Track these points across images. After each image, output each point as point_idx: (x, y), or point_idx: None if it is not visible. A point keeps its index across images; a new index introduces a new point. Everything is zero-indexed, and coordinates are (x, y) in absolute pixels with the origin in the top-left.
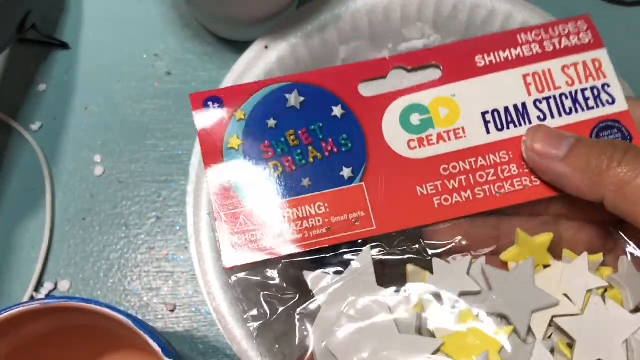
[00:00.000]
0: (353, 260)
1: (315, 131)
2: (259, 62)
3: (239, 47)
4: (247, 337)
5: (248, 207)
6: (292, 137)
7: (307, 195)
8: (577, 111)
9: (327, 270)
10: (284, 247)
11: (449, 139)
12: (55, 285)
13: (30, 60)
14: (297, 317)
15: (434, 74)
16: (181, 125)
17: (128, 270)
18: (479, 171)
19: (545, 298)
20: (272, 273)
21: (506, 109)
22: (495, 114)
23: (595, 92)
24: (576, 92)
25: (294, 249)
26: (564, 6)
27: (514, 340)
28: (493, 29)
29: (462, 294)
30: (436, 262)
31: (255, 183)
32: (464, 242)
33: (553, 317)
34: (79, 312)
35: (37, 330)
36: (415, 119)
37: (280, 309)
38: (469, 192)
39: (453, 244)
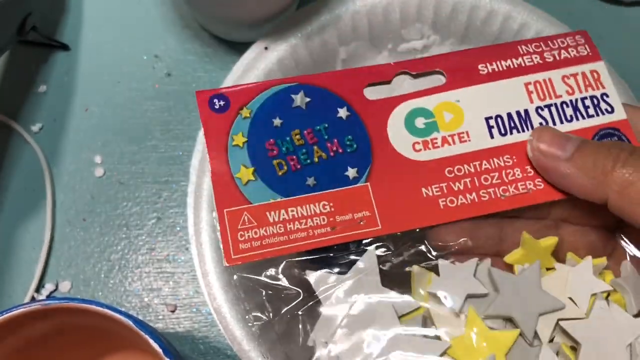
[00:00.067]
0: (357, 260)
1: (321, 131)
2: (259, 63)
3: (239, 48)
4: (247, 338)
5: (251, 204)
6: (297, 137)
7: (312, 194)
8: (577, 119)
9: (331, 270)
10: (287, 245)
11: (454, 142)
12: (56, 286)
13: (30, 61)
14: (300, 317)
15: (438, 80)
16: (181, 126)
17: (129, 271)
18: (484, 174)
19: (552, 301)
20: (275, 272)
21: (509, 115)
22: (499, 119)
23: (595, 101)
24: (576, 100)
25: (298, 248)
26: (564, 6)
27: (520, 343)
28: (492, 30)
29: (469, 297)
30: (442, 263)
31: (259, 181)
32: (470, 243)
33: (558, 320)
34: (80, 313)
35: (38, 331)
36: (420, 122)
37: (283, 309)
38: (474, 194)
39: (457, 246)
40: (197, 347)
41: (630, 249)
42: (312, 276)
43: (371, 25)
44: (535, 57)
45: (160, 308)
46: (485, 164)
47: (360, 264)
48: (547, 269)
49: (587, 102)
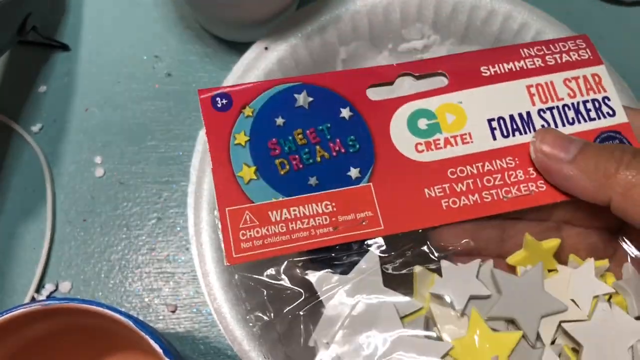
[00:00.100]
0: (359, 260)
1: (323, 131)
2: (259, 63)
3: (239, 48)
4: (248, 338)
5: (253, 203)
6: (299, 136)
7: (314, 193)
8: (579, 121)
9: (332, 270)
10: (289, 245)
11: (456, 143)
12: (56, 286)
13: (30, 62)
14: (301, 317)
15: (440, 82)
16: (182, 127)
17: (129, 271)
18: (486, 175)
19: (554, 303)
20: (277, 272)
21: (511, 117)
22: (501, 121)
23: (596, 104)
24: (578, 103)
25: (299, 248)
26: (564, 6)
27: (522, 345)
28: (493, 29)
29: (472, 298)
30: (445, 264)
31: (261, 180)
32: (472, 244)
33: (560, 322)
34: (80, 313)
35: (38, 332)
36: (422, 123)
37: (285, 309)
38: (476, 195)
39: (460, 247)
40: (198, 347)
41: (632, 250)
42: (314, 276)
43: (371, 25)
44: (537, 60)
45: (161, 308)
46: (487, 166)
47: (362, 265)
48: (549, 271)
49: (589, 105)
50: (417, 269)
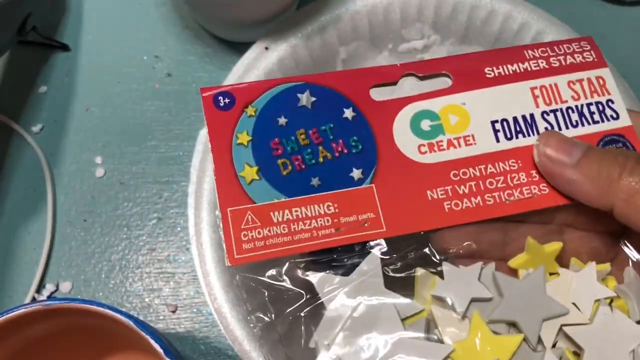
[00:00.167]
0: (361, 262)
1: (326, 131)
2: (259, 63)
3: (239, 48)
4: (248, 338)
5: (255, 204)
6: (302, 136)
7: (316, 194)
8: (582, 124)
9: (334, 271)
10: (291, 246)
11: (459, 145)
12: (57, 286)
13: (30, 62)
14: (302, 318)
15: (444, 82)
16: (182, 127)
17: (129, 271)
18: (489, 178)
19: (556, 307)
20: (278, 273)
21: (515, 119)
22: (505, 123)
23: (600, 107)
24: (582, 106)
25: (301, 249)
26: (564, 6)
27: (524, 348)
28: (493, 29)
29: (474, 300)
30: (447, 267)
31: (263, 180)
32: (474, 247)
33: (562, 325)
34: (81, 313)
35: (38, 332)
36: (425, 124)
37: (286, 310)
38: (479, 197)
39: (462, 250)
40: (198, 347)
41: (634, 254)
42: (315, 278)
43: (371, 25)
44: (542, 62)
45: (161, 308)
46: (490, 168)
47: (363, 266)
48: (551, 274)
49: (593, 108)
50: (419, 271)
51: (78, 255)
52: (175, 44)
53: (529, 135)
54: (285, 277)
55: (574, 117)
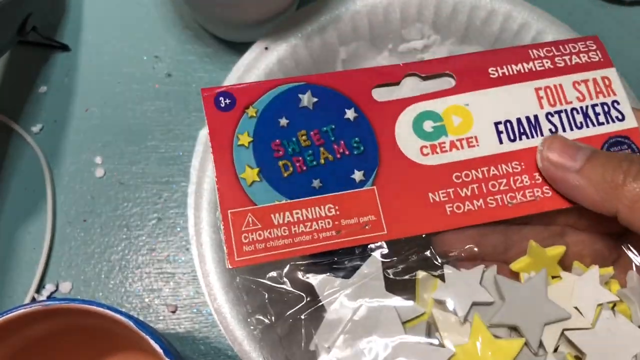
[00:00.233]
0: (361, 264)
1: (327, 132)
2: (259, 63)
3: (239, 48)
4: (248, 338)
5: (256, 206)
6: (303, 137)
7: (317, 196)
8: (587, 126)
9: (334, 274)
10: (292, 248)
11: (462, 147)
12: (57, 287)
13: (30, 62)
14: (302, 321)
15: (447, 83)
16: (182, 127)
17: (129, 271)
18: (492, 180)
19: (558, 311)
20: (279, 275)
21: (519, 120)
22: (508, 124)
23: (605, 108)
24: (587, 107)
25: (302, 251)
26: (564, 6)
27: (525, 353)
28: (493, 29)
29: (475, 304)
30: (448, 270)
31: (264, 182)
32: (475, 250)
33: (564, 330)
34: (81, 313)
35: (38, 332)
36: (428, 125)
37: (286, 312)
38: (481, 200)
39: (463, 253)
40: (198, 347)
41: (638, 259)
42: (316, 280)
43: (371, 25)
44: (546, 62)
45: (161, 309)
46: (493, 170)
47: (364, 269)
48: (553, 277)
49: (598, 109)
50: (420, 274)
51: (78, 256)
52: (175, 44)
53: (532, 137)
54: (285, 279)
55: (579, 118)
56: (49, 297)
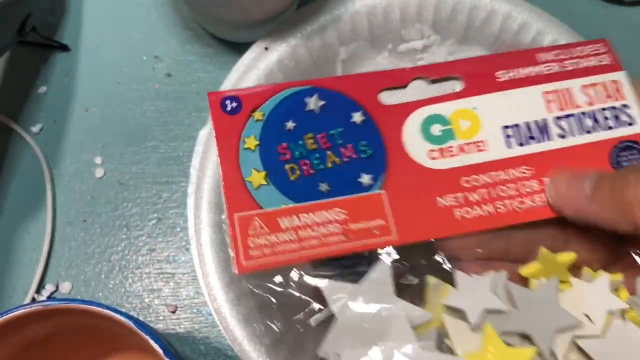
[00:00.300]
0: (370, 269)
1: (334, 136)
2: (259, 64)
3: (239, 48)
4: (248, 338)
5: (262, 209)
6: (310, 141)
7: (325, 200)
8: (596, 130)
9: (343, 279)
10: (300, 253)
11: (470, 151)
12: (57, 287)
13: (30, 62)
14: (311, 327)
15: (455, 86)
16: (182, 127)
17: (129, 271)
18: (500, 185)
19: (569, 319)
20: (286, 280)
21: (527, 125)
22: (517, 128)
23: (615, 113)
24: (596, 111)
25: (310, 256)
26: (564, 6)
27: None
28: (492, 30)
29: (487, 312)
30: (459, 276)
31: (271, 185)
32: (479, 251)
33: (574, 337)
34: (81, 313)
35: (38, 332)
36: (436, 129)
37: (294, 317)
38: (490, 205)
39: (468, 256)
40: (198, 347)
41: None
42: (325, 285)
43: (371, 25)
44: (555, 66)
45: (161, 309)
46: (501, 175)
47: (373, 274)
48: (561, 282)
49: (607, 114)
50: (431, 279)
51: (78, 256)
52: (175, 44)
53: (541, 141)
54: (293, 284)
55: (588, 122)
56: (49, 297)
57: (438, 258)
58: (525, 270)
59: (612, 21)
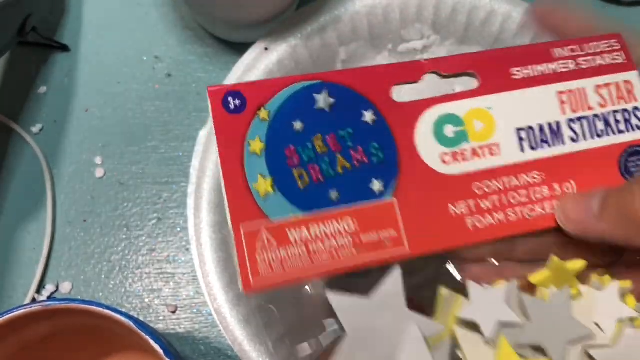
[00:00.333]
0: (381, 281)
1: (345, 137)
2: (259, 64)
3: (239, 48)
4: (248, 338)
5: (270, 220)
6: (319, 143)
7: (335, 209)
8: (607, 134)
9: (352, 291)
10: (310, 270)
11: (484, 155)
12: (57, 287)
13: (30, 62)
14: (321, 342)
15: (468, 82)
16: (182, 127)
17: (129, 271)
18: (511, 191)
19: (582, 330)
20: (295, 292)
21: (540, 127)
22: (530, 131)
23: (626, 115)
24: (608, 113)
25: (322, 272)
26: None
27: None
28: (492, 30)
29: (501, 325)
30: (472, 287)
31: (279, 193)
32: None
33: (585, 347)
34: (81, 314)
35: (38, 333)
36: (449, 130)
37: (303, 331)
38: (501, 213)
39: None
40: (198, 347)
41: None
42: (334, 299)
43: (371, 25)
44: (570, 63)
45: (161, 309)
46: (513, 181)
47: (384, 286)
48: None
49: (618, 116)
50: (444, 291)
51: (78, 256)
52: (175, 45)
53: (553, 145)
54: (303, 297)
55: (600, 125)
56: (49, 298)
57: (450, 268)
58: (535, 277)
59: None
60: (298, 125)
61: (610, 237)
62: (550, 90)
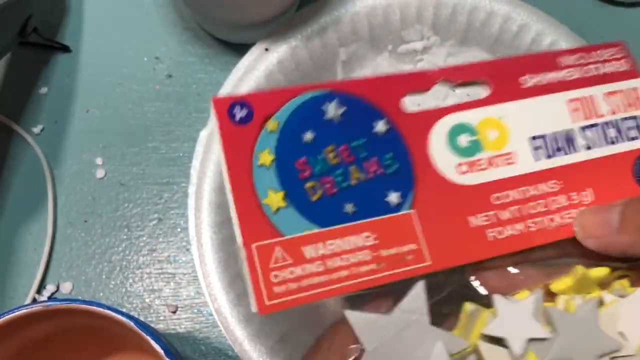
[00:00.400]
0: (403, 298)
1: (357, 148)
2: (259, 65)
3: (240, 49)
4: (249, 338)
5: (284, 237)
6: (331, 155)
7: (352, 223)
8: (620, 141)
9: (373, 308)
10: (329, 287)
11: (499, 164)
12: (58, 287)
13: (31, 63)
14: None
15: (479, 91)
16: (182, 128)
17: (130, 272)
18: (530, 201)
19: (610, 342)
20: (312, 307)
21: (554, 135)
22: (544, 139)
23: (637, 122)
24: (618, 120)
25: (342, 290)
26: (563, 7)
27: None
28: (492, 31)
29: (530, 340)
30: (499, 301)
31: (291, 208)
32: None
33: (612, 358)
34: (81, 314)
35: (39, 333)
36: (463, 140)
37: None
38: (522, 224)
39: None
40: (198, 347)
41: None
42: (353, 317)
43: (371, 26)
44: (577, 71)
45: (162, 309)
46: (531, 190)
47: (407, 303)
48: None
49: (629, 123)
50: (469, 306)
51: (79, 256)
52: (176, 45)
53: (568, 153)
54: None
55: (612, 133)
56: (50, 298)
57: (474, 282)
58: (556, 285)
59: (611, 22)
60: (308, 136)
61: (632, 249)
62: (561, 98)
